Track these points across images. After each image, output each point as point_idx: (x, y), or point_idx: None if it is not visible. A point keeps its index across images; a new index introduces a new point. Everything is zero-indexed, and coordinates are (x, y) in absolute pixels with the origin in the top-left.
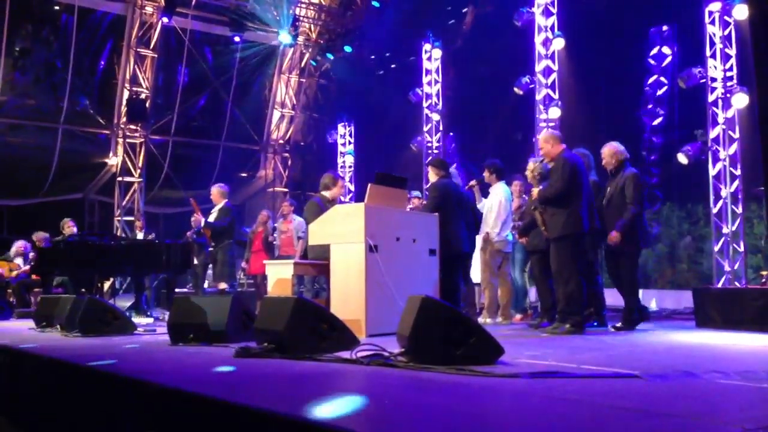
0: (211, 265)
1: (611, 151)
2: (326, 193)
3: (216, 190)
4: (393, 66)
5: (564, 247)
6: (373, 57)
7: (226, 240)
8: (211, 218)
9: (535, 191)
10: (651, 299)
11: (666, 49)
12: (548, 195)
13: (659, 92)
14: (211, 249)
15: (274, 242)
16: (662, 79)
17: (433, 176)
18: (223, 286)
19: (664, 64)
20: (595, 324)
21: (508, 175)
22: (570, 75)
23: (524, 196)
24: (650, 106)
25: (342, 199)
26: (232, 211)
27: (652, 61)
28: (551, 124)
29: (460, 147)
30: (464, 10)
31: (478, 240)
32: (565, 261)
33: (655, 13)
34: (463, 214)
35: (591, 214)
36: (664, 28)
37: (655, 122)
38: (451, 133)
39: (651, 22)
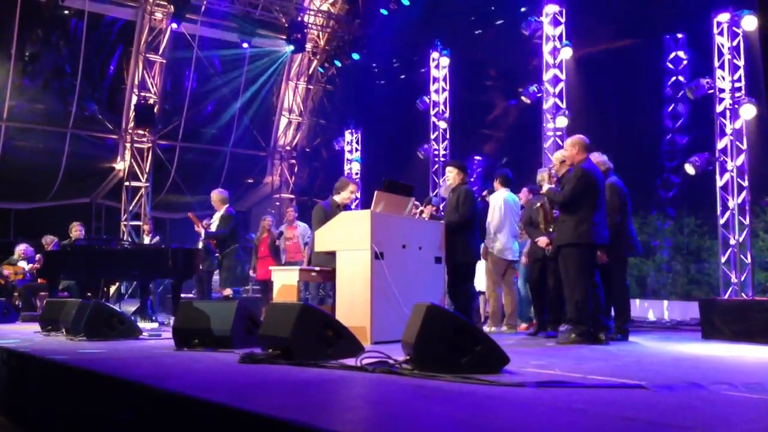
0: (217, 272)
1: (597, 161)
2: (336, 197)
3: (216, 197)
4: (401, 74)
5: (570, 255)
6: (375, 65)
7: (231, 245)
8: (213, 227)
9: (545, 188)
10: (657, 309)
11: (681, 54)
12: (556, 200)
13: (679, 94)
14: (218, 256)
15: (281, 246)
16: (680, 78)
17: (455, 178)
18: (227, 292)
19: (680, 67)
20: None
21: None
22: (579, 84)
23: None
24: (671, 108)
25: (350, 206)
26: (234, 217)
27: (671, 65)
28: (558, 133)
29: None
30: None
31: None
32: (570, 269)
33: (661, 22)
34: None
35: (603, 227)
36: (679, 35)
37: (678, 124)
38: (477, 158)
39: (656, 32)
